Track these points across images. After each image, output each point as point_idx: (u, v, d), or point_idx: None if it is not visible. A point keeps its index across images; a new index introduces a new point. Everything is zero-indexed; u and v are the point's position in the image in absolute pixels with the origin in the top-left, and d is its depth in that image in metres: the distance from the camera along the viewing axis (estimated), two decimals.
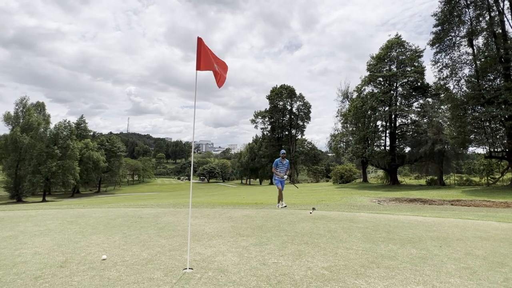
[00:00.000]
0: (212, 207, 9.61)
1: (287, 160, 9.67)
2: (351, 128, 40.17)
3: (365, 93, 35.34)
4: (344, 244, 4.39)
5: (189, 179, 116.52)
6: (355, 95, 39.74)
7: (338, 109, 46.72)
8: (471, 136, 24.10)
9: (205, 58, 3.88)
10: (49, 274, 3.22)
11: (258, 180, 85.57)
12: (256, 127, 68.39)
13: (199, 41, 3.81)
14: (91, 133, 73.62)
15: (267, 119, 66.45)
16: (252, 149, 78.03)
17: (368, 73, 34.66)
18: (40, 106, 49.82)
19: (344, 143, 44.00)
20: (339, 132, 46.13)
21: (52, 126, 48.93)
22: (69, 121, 53.01)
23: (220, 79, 4.12)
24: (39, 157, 43.69)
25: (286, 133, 66.83)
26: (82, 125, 60.65)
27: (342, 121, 43.87)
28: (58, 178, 45.93)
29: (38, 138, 44.92)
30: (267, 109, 65.91)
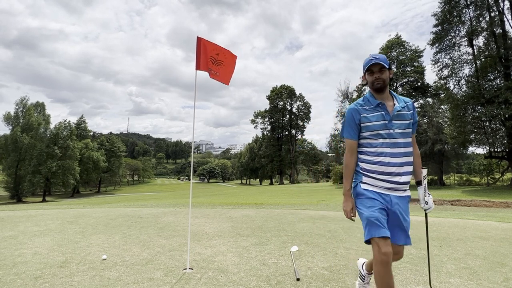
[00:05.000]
0: (212, 207, 9.61)
1: (410, 102, 2.26)
2: None
3: (365, 93, 35.36)
4: (344, 244, 4.39)
5: (189, 179, 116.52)
6: (355, 95, 39.77)
7: (338, 109, 46.77)
8: (471, 136, 24.09)
9: (204, 59, 3.88)
10: (49, 274, 3.22)
11: (258, 180, 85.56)
12: (256, 127, 68.56)
13: (199, 41, 3.81)
14: (91, 133, 73.58)
15: (267, 119, 66.52)
16: (252, 149, 78.02)
17: None
18: (40, 106, 49.80)
19: (344, 143, 44.02)
20: (339, 132, 46.17)
21: (52, 126, 48.94)
22: (69, 121, 52.94)
23: (224, 77, 4.04)
24: (39, 157, 43.69)
25: (286, 133, 66.88)
26: (82, 125, 60.60)
27: (342, 121, 43.87)
28: (58, 178, 45.93)
29: (38, 138, 44.92)
30: (267, 109, 65.94)
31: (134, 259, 3.75)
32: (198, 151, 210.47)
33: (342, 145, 44.18)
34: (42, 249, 4.27)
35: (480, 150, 28.15)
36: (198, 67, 3.85)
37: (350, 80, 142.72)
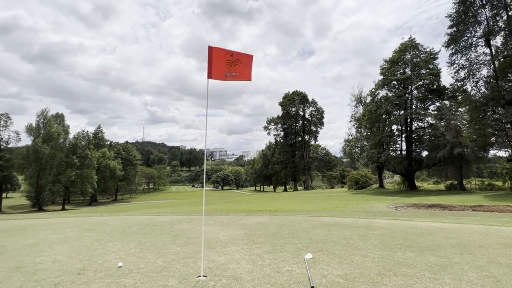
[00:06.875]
0: (226, 214, 9.62)
1: None
2: (365, 133, 39.57)
3: (379, 97, 34.84)
4: (360, 252, 4.30)
5: (203, 187, 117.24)
6: (368, 99, 39.25)
7: (352, 114, 46.26)
8: (491, 139, 23.29)
9: (216, 67, 3.94)
10: (68, 281, 3.30)
11: (272, 186, 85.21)
12: (269, 133, 68.38)
13: (210, 50, 3.88)
14: (108, 143, 75.41)
15: (279, 125, 66.37)
16: (266, 155, 77.85)
17: (382, 76, 34.23)
18: (59, 117, 51.62)
19: (359, 148, 43.33)
20: (353, 137, 45.55)
21: (71, 136, 50.60)
22: (87, 131, 54.53)
23: (243, 75, 4.06)
24: (58, 166, 45.10)
25: (299, 139, 66.48)
26: (99, 135, 62.21)
27: (356, 126, 43.29)
28: (77, 187, 47.21)
29: (58, 148, 46.45)
30: (280, 115, 65.88)
31: (149, 266, 3.79)
32: (212, 159, 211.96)
33: (356, 150, 43.44)
34: (61, 256, 4.38)
35: (502, 153, 27.07)
36: (210, 76, 3.92)
37: (364, 84, 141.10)
